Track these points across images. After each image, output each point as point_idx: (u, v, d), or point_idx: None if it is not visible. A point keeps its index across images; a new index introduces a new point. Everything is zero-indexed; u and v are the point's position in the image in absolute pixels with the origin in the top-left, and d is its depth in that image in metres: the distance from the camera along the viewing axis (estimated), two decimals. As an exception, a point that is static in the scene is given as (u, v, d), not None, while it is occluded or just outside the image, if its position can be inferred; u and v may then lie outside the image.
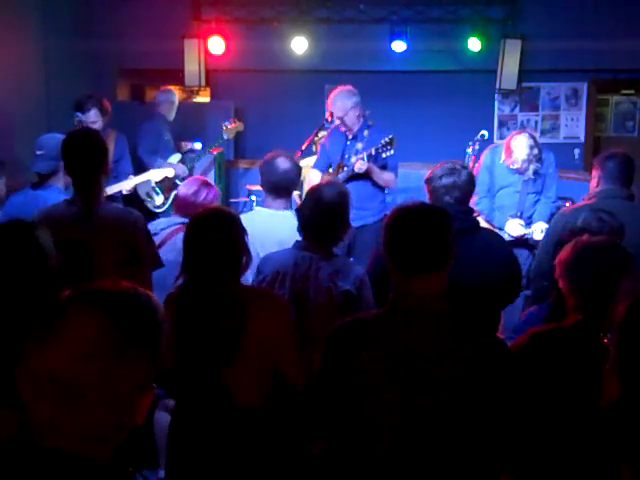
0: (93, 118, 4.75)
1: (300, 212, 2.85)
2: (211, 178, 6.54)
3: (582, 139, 7.26)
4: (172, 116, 6.05)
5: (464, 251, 2.07)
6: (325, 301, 2.72)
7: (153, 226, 3.52)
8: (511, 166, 4.71)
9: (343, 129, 4.84)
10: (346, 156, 4.79)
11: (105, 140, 3.32)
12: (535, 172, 4.68)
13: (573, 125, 7.25)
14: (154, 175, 5.36)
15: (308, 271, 2.75)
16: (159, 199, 5.48)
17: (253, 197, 5.92)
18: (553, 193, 4.84)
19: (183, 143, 6.46)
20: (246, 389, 2.32)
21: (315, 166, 4.98)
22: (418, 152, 6.53)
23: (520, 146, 4.63)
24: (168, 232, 3.52)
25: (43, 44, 5.92)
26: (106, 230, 2.97)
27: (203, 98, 7.93)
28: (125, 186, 4.95)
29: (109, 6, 6.93)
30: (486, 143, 5.52)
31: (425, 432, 1.80)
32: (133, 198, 5.16)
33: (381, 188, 4.82)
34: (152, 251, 3.15)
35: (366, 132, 4.78)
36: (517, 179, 4.76)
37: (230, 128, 6.07)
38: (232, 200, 6.85)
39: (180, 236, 3.43)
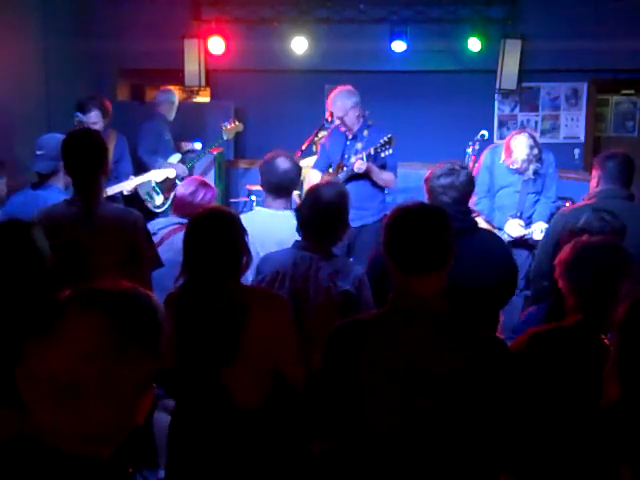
0: (94, 119, 4.76)
1: (299, 212, 2.85)
2: (211, 178, 6.55)
3: (582, 139, 7.26)
4: (172, 116, 6.05)
5: (463, 251, 2.07)
6: (324, 301, 2.72)
7: (151, 226, 3.52)
8: (511, 166, 4.71)
9: (343, 129, 4.84)
10: (346, 156, 4.79)
11: (105, 140, 3.32)
12: (535, 172, 4.68)
13: (573, 125, 7.25)
14: (155, 176, 5.36)
15: (308, 271, 2.75)
16: (159, 199, 5.48)
17: (253, 197, 5.92)
18: (553, 193, 4.84)
19: (183, 143, 6.45)
20: (246, 389, 2.32)
21: (315, 166, 4.98)
22: (418, 152, 6.53)
23: (520, 146, 4.63)
24: (166, 232, 3.52)
25: (43, 44, 5.92)
26: (106, 230, 2.97)
27: (203, 98, 7.93)
28: (126, 187, 4.96)
29: (109, 6, 6.93)
30: (486, 143, 5.52)
31: (425, 432, 1.80)
32: (133, 198, 5.16)
33: (381, 188, 4.82)
34: (152, 251, 3.15)
35: (366, 132, 4.78)
36: (517, 179, 4.76)
37: (229, 129, 6.07)
38: (232, 200, 6.85)
39: (178, 236, 3.44)
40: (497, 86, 6.84)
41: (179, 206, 3.67)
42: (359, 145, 4.74)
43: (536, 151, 4.64)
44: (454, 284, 1.92)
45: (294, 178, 3.40)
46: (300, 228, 2.83)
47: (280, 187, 3.33)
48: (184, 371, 2.34)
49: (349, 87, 4.84)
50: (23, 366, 1.12)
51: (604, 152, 3.89)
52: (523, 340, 2.16)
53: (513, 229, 4.72)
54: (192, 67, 7.01)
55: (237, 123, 6.14)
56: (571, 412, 2.01)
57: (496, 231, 4.76)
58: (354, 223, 4.12)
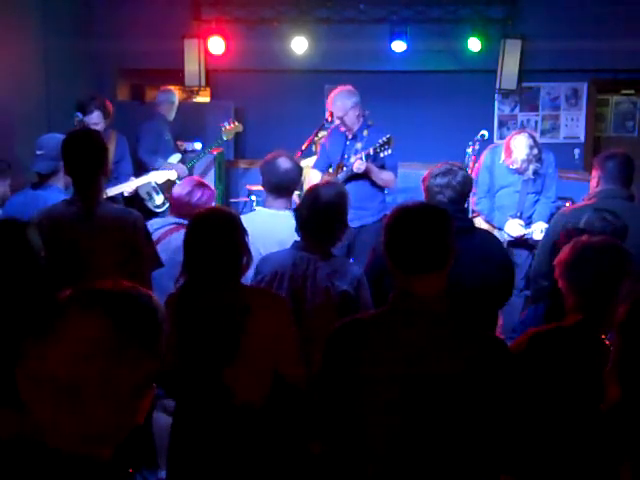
0: (95, 120, 4.76)
1: (298, 212, 2.86)
2: (211, 178, 6.55)
3: (582, 139, 7.26)
4: (172, 116, 6.05)
5: (462, 251, 2.08)
6: (323, 301, 2.72)
7: (148, 226, 3.52)
8: (511, 166, 4.71)
9: (343, 129, 4.84)
10: (346, 156, 4.79)
11: (106, 141, 3.32)
12: (535, 172, 4.68)
13: (573, 125, 7.25)
14: (155, 177, 5.36)
15: (306, 271, 2.75)
16: (159, 199, 5.49)
17: (253, 197, 5.92)
18: (553, 193, 4.84)
19: (178, 142, 6.44)
20: (246, 389, 2.32)
21: (315, 166, 4.98)
22: (418, 152, 6.53)
23: (520, 146, 4.63)
24: (162, 232, 3.52)
25: (43, 44, 5.92)
26: (106, 230, 2.97)
27: (203, 98, 7.93)
28: (126, 188, 4.96)
29: (109, 6, 6.93)
30: (486, 143, 5.53)
31: (425, 432, 1.80)
32: (133, 198, 5.16)
33: (381, 188, 4.82)
34: (151, 251, 3.15)
35: (365, 132, 4.78)
36: (517, 179, 4.76)
37: (229, 129, 6.07)
38: (232, 200, 6.86)
39: (174, 236, 3.45)
40: (497, 86, 6.84)
41: (176, 206, 3.67)
42: (359, 145, 4.74)
43: (536, 151, 4.64)
44: (453, 284, 1.92)
45: (295, 178, 3.40)
46: (299, 228, 2.83)
47: (281, 187, 3.33)
48: (185, 371, 2.34)
49: (349, 87, 4.84)
50: (23, 366, 1.12)
51: (604, 152, 3.89)
52: (523, 340, 2.16)
53: (513, 229, 4.72)
54: (192, 67, 7.01)
55: (236, 123, 6.14)
56: (571, 412, 2.00)
57: (496, 231, 4.77)
58: (353, 223, 4.12)
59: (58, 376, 1.09)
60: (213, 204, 3.85)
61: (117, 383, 1.12)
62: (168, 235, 3.49)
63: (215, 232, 2.35)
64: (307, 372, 2.38)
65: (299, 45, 6.84)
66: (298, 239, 2.85)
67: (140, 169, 5.49)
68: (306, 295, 2.74)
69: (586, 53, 6.55)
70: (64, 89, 5.97)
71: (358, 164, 4.52)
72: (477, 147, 5.56)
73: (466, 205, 5.19)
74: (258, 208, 3.72)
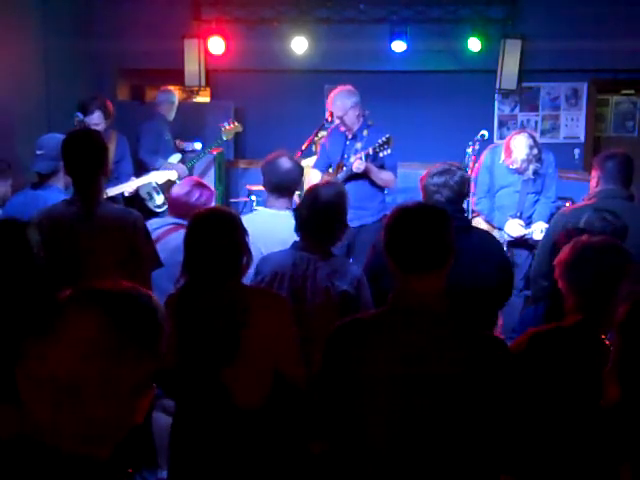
0: (96, 120, 4.76)
1: (297, 212, 2.86)
2: (211, 178, 6.55)
3: (582, 139, 7.26)
4: (172, 116, 6.06)
5: (459, 251, 2.08)
6: (323, 301, 2.72)
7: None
8: (511, 166, 4.71)
9: (343, 129, 4.84)
10: (345, 156, 4.79)
11: (106, 141, 3.32)
12: (535, 172, 4.68)
13: (573, 125, 7.25)
14: (156, 177, 5.36)
15: (306, 271, 2.75)
16: (160, 198, 5.48)
17: (253, 197, 5.92)
18: (553, 193, 4.85)
19: (177, 141, 6.43)
20: (246, 389, 2.32)
21: (315, 166, 4.98)
22: (418, 152, 6.54)
23: (519, 146, 4.63)
24: (161, 232, 3.52)
25: (43, 44, 5.92)
26: (106, 230, 2.97)
27: (203, 98, 7.93)
28: (127, 188, 4.96)
29: (109, 6, 6.93)
30: (486, 143, 5.52)
31: (425, 432, 1.80)
32: (133, 198, 5.16)
33: (380, 188, 4.82)
34: (151, 251, 3.15)
35: (365, 132, 4.78)
36: (517, 179, 4.76)
37: (228, 129, 6.07)
38: (232, 200, 6.86)
39: (173, 236, 3.45)
40: (497, 86, 6.84)
41: (174, 206, 3.67)
42: (359, 145, 4.74)
43: (536, 151, 4.65)
44: (451, 283, 1.92)
45: (296, 178, 3.40)
46: (298, 228, 2.83)
47: (282, 187, 3.34)
48: (185, 371, 2.34)
49: (349, 87, 4.84)
50: (23, 366, 1.12)
51: (604, 152, 3.89)
52: (523, 340, 2.16)
53: (513, 229, 4.72)
54: (192, 67, 7.01)
55: (236, 124, 6.14)
56: (571, 412, 2.01)
57: (496, 231, 4.77)
58: (353, 223, 4.12)
59: (58, 376, 1.09)
60: (212, 204, 3.85)
61: (117, 383, 1.12)
62: (167, 235, 3.49)
63: (215, 232, 2.35)
64: (307, 372, 2.38)
65: (299, 45, 6.85)
66: (298, 239, 2.85)
67: (140, 169, 5.49)
68: (306, 295, 2.74)
69: (586, 53, 6.55)
70: (64, 89, 5.97)
71: (357, 164, 4.52)
72: (477, 147, 5.56)
73: (465, 205, 5.22)
74: (259, 208, 3.72)
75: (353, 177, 4.60)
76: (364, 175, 4.62)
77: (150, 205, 5.46)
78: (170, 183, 5.42)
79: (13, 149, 5.16)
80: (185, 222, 3.18)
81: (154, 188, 5.46)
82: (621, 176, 3.59)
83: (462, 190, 3.04)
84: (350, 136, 4.82)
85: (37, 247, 2.29)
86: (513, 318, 4.24)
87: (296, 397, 2.34)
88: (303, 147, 5.15)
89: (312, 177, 4.90)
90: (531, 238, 4.66)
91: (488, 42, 6.65)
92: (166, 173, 5.45)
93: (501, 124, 7.30)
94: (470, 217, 5.15)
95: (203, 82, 7.12)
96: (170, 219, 3.65)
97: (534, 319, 2.71)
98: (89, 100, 4.81)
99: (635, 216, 3.31)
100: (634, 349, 1.68)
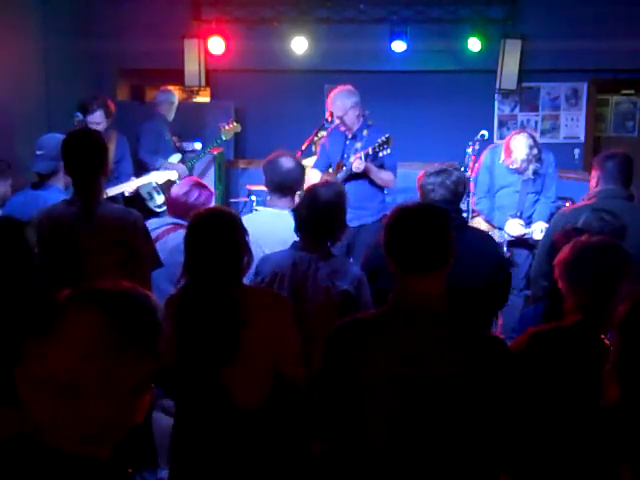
0: (98, 119, 4.76)
1: (297, 212, 2.86)
2: (211, 178, 6.55)
3: (582, 139, 7.26)
4: (171, 116, 6.06)
5: (458, 250, 2.08)
6: (324, 301, 2.72)
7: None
8: (511, 166, 4.71)
9: (343, 129, 4.84)
10: (345, 156, 4.79)
11: (106, 141, 3.32)
12: (535, 172, 4.69)
13: (573, 125, 7.25)
14: (156, 177, 5.36)
15: (307, 271, 2.75)
16: (160, 199, 5.49)
17: (253, 197, 5.92)
18: (553, 193, 4.85)
19: (174, 138, 6.43)
20: (247, 389, 2.32)
21: (315, 166, 4.98)
22: (418, 152, 6.54)
23: (519, 146, 4.64)
24: (160, 232, 3.52)
25: (43, 44, 5.92)
26: (106, 230, 2.97)
27: (203, 98, 7.93)
28: (127, 188, 4.96)
29: (109, 6, 6.93)
30: (486, 143, 5.53)
31: (425, 432, 1.80)
32: (133, 198, 5.16)
33: (380, 188, 4.82)
34: (151, 251, 3.15)
35: (365, 132, 4.78)
36: (517, 179, 4.77)
37: (228, 129, 6.07)
38: (232, 200, 6.86)
39: (171, 236, 3.45)
40: (497, 86, 6.84)
41: (173, 206, 3.67)
42: (358, 145, 4.74)
43: (535, 151, 4.65)
44: (449, 283, 1.92)
45: (298, 177, 3.40)
46: (298, 228, 2.83)
47: (284, 186, 3.34)
48: (185, 371, 2.34)
49: (349, 87, 4.84)
50: (23, 366, 1.12)
51: (604, 152, 3.89)
52: (523, 340, 2.16)
53: (513, 228, 4.72)
54: (192, 67, 7.01)
55: (235, 124, 6.14)
56: (571, 412, 2.01)
57: (496, 231, 4.77)
58: (353, 223, 4.12)
59: (58, 376, 1.09)
60: (211, 204, 3.85)
61: (117, 383, 1.12)
62: (165, 235, 3.49)
63: (215, 232, 2.35)
64: (307, 372, 2.38)
65: (299, 45, 6.85)
66: (297, 239, 2.85)
67: (140, 169, 5.49)
68: (307, 295, 2.74)
69: (586, 53, 6.55)
70: (64, 89, 5.97)
71: (357, 163, 4.52)
72: (477, 147, 5.56)
73: (465, 206, 5.22)
74: (261, 208, 3.72)
75: (353, 177, 4.60)
76: (364, 175, 4.62)
77: (151, 205, 5.47)
78: (170, 183, 5.42)
79: (13, 149, 5.16)
80: (184, 222, 3.19)
81: (155, 188, 5.46)
82: (621, 176, 3.59)
83: (458, 190, 3.05)
84: (350, 136, 4.82)
85: (33, 246, 2.29)
86: (513, 318, 4.24)
87: (296, 397, 2.34)
88: (303, 147, 5.15)
89: (312, 177, 4.90)
90: (531, 238, 4.66)
91: (488, 42, 6.65)
92: (166, 173, 5.45)
93: (501, 124, 7.30)
94: (470, 217, 5.15)
95: (203, 82, 7.12)
96: (169, 219, 3.66)
97: (534, 319, 2.71)
98: (90, 99, 4.81)
99: (635, 216, 3.31)
100: (634, 349, 1.68)
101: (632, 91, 8.17)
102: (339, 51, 6.77)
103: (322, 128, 5.25)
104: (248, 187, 6.25)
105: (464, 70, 6.89)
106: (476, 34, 6.63)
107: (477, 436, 1.80)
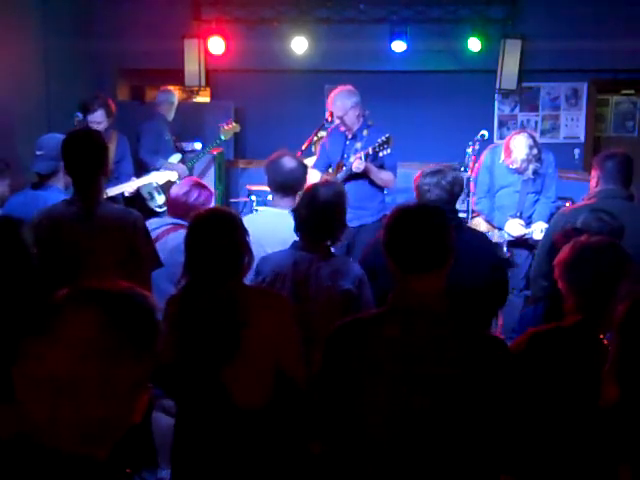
0: (99, 119, 4.76)
1: (296, 212, 2.86)
2: (211, 178, 6.55)
3: (582, 139, 7.26)
4: (171, 116, 6.06)
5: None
6: (326, 301, 2.72)
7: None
8: (510, 166, 4.71)
9: (343, 129, 4.84)
10: (345, 156, 4.79)
11: (106, 141, 3.32)
12: (535, 172, 4.68)
13: (573, 125, 7.25)
14: (156, 177, 5.37)
15: (308, 271, 2.75)
16: (161, 198, 5.49)
17: (253, 197, 5.92)
18: (553, 193, 4.85)
19: (173, 138, 6.43)
20: (247, 389, 2.32)
21: (315, 166, 4.98)
22: (418, 152, 6.54)
23: (519, 146, 4.64)
24: (159, 232, 3.53)
25: (43, 44, 5.92)
26: (106, 230, 2.97)
27: (203, 98, 7.93)
28: (127, 188, 4.97)
29: (109, 6, 6.93)
30: (486, 143, 5.53)
31: (425, 432, 1.80)
32: (133, 198, 5.16)
33: (380, 188, 4.82)
34: (151, 251, 3.15)
35: (365, 132, 4.78)
36: (517, 179, 4.77)
37: (227, 129, 6.07)
38: (232, 200, 6.86)
39: (171, 236, 3.45)
40: (497, 86, 6.84)
41: (173, 206, 3.67)
42: (358, 145, 4.74)
43: (535, 151, 4.65)
44: (451, 283, 1.92)
45: (299, 177, 3.40)
46: (297, 228, 2.83)
47: (286, 186, 3.34)
48: (185, 370, 2.34)
49: (349, 87, 4.84)
50: (21, 366, 1.12)
51: (604, 152, 3.89)
52: (522, 340, 2.16)
53: (513, 228, 4.72)
54: (192, 67, 7.01)
55: (234, 124, 6.15)
56: (570, 412, 2.01)
57: (496, 231, 4.77)
58: (353, 223, 4.12)
59: (56, 376, 1.09)
60: (211, 204, 3.85)
61: (115, 382, 1.12)
62: (165, 235, 3.50)
63: (216, 232, 2.35)
64: (307, 372, 2.38)
65: (299, 45, 6.85)
66: (297, 239, 2.85)
67: (141, 169, 5.50)
68: (308, 295, 2.74)
69: (586, 53, 6.55)
70: (64, 89, 5.97)
71: (357, 163, 4.52)
72: (477, 147, 5.56)
73: (465, 206, 5.23)
74: (263, 208, 3.72)
75: (353, 177, 4.60)
76: (364, 175, 4.62)
77: (152, 205, 5.47)
78: (170, 183, 5.42)
79: (13, 149, 5.16)
80: (184, 222, 3.19)
81: (155, 188, 5.47)
82: (621, 176, 3.59)
83: (454, 190, 3.05)
84: (350, 136, 4.82)
85: (30, 245, 2.29)
86: (513, 318, 4.24)
87: (296, 397, 2.34)
88: (303, 147, 5.15)
89: (312, 177, 4.89)
90: (531, 238, 4.66)
91: (488, 42, 6.65)
92: (166, 173, 5.45)
93: (501, 124, 7.30)
94: (470, 217, 5.16)
95: (203, 82, 7.13)
96: (169, 219, 3.66)
97: (534, 319, 2.71)
98: (91, 99, 4.81)
99: (635, 216, 3.31)
100: (633, 349, 1.68)
101: (632, 91, 8.17)
102: (339, 51, 6.77)
103: (322, 128, 5.25)
104: (248, 187, 6.25)
105: (464, 70, 6.89)
106: (476, 34, 6.63)
107: (477, 436, 1.80)
